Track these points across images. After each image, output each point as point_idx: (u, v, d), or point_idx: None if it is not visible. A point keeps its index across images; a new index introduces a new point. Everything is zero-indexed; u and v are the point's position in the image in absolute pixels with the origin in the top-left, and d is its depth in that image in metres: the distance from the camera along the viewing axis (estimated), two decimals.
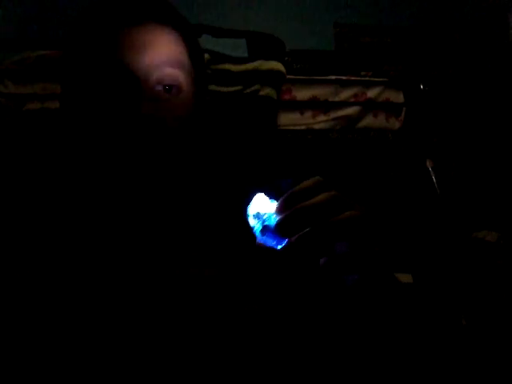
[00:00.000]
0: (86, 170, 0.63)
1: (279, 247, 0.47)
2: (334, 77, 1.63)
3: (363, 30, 2.44)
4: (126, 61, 0.58)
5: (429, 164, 1.61)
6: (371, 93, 1.64)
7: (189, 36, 0.65)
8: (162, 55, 0.60)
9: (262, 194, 0.50)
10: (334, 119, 1.61)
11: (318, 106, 1.61)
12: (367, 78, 1.66)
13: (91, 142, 0.60)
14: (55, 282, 0.59)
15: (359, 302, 0.47)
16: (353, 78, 1.65)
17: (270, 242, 0.48)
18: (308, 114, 1.61)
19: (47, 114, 1.49)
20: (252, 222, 0.50)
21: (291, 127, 1.60)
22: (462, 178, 1.90)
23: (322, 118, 1.61)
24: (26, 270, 0.60)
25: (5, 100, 1.51)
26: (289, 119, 1.60)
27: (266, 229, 0.48)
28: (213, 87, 1.57)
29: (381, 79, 1.66)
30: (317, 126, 1.61)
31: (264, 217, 0.48)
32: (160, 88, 0.59)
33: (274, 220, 0.47)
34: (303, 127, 1.60)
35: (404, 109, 1.66)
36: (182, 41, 0.63)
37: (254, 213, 0.49)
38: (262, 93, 1.57)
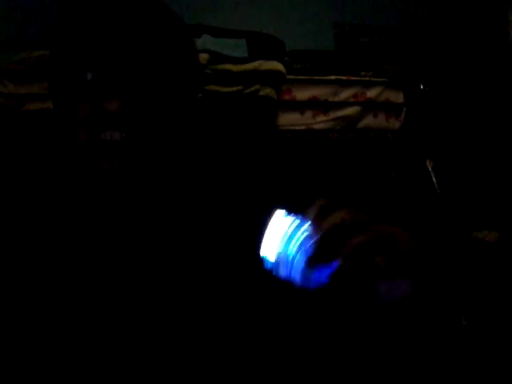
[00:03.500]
0: (72, 170, 0.65)
1: (328, 276, 0.43)
2: (333, 77, 1.63)
3: (363, 29, 2.45)
4: (107, 61, 0.59)
5: (429, 164, 1.61)
6: (371, 93, 1.63)
7: (176, 36, 0.65)
8: (145, 56, 0.60)
9: (282, 210, 0.44)
10: (334, 119, 1.61)
11: (317, 106, 1.60)
12: (367, 78, 1.66)
13: (69, 140, 0.61)
14: (50, 278, 0.59)
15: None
16: (353, 78, 1.64)
17: (318, 274, 0.42)
18: (308, 114, 1.61)
19: (47, 114, 1.49)
20: (277, 248, 0.43)
21: (291, 127, 1.60)
22: (462, 178, 1.90)
23: (321, 118, 1.61)
24: (23, 266, 0.60)
25: (5, 100, 1.52)
26: (289, 119, 1.60)
27: (311, 260, 0.42)
28: (213, 87, 1.58)
29: (381, 79, 1.66)
30: (317, 126, 1.60)
31: (298, 242, 0.42)
32: (141, 86, 0.60)
33: (312, 245, 0.42)
34: (303, 127, 1.60)
35: (404, 109, 1.67)
36: (168, 40, 0.63)
37: (281, 237, 0.43)
38: (261, 93, 1.57)
